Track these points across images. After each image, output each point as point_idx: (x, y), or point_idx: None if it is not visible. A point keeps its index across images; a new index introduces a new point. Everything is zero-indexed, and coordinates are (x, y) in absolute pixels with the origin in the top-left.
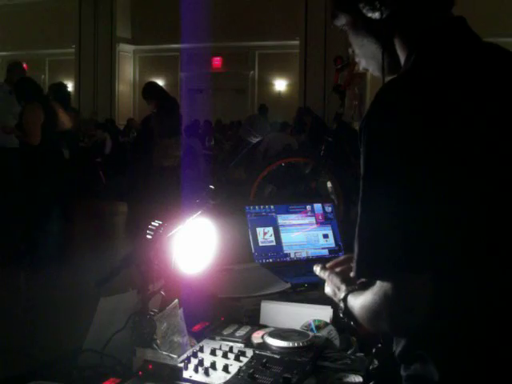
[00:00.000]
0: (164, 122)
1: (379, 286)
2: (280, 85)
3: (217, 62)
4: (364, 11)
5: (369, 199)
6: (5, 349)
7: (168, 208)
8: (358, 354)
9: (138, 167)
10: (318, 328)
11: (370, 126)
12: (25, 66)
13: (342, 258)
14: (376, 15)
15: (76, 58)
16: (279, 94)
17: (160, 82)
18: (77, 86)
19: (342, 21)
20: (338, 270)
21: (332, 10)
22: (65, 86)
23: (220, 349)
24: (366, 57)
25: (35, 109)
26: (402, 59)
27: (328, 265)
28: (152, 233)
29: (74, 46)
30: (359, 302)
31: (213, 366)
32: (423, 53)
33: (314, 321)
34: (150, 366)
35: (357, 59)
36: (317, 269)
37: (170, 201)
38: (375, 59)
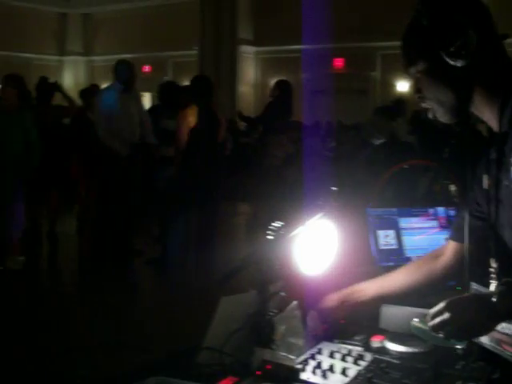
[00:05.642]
0: (279, 117)
1: None
2: (403, 85)
3: (339, 62)
4: (446, 58)
5: None
6: (125, 344)
7: (289, 208)
8: (480, 363)
9: (257, 166)
10: None
11: None
12: (148, 67)
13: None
14: (459, 63)
15: (198, 59)
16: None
17: None
18: None
19: (418, 67)
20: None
21: (410, 56)
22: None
23: (338, 352)
24: (439, 102)
25: (186, 115)
26: (484, 103)
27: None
28: (273, 233)
29: (196, 48)
30: None
31: (331, 368)
32: None
33: None
34: (269, 367)
35: (425, 104)
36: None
37: (291, 201)
38: (447, 105)
